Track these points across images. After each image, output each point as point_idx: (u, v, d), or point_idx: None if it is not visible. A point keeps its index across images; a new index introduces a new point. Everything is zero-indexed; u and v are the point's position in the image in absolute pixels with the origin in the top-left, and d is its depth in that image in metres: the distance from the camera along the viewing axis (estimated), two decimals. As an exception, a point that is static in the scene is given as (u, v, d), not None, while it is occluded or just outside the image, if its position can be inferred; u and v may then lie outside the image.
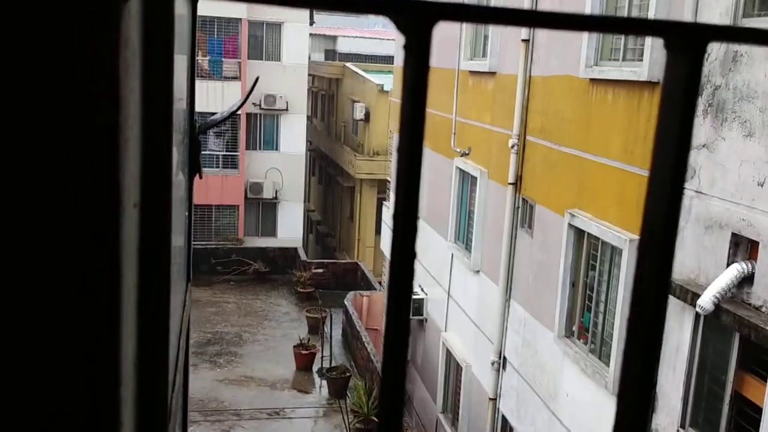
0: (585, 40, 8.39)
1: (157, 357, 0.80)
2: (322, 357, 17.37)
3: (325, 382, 16.64)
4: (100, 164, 0.52)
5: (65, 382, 0.57)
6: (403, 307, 0.45)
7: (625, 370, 0.49)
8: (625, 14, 7.92)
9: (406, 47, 0.42)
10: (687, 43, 0.46)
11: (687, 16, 6.61)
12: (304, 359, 17.40)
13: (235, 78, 24.84)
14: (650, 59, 7.13)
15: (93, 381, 0.57)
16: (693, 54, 0.46)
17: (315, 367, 17.47)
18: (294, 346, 17.64)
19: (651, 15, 7.16)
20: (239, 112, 24.78)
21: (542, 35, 9.70)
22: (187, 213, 1.80)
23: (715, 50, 6.24)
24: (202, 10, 26.23)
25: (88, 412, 0.56)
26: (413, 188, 0.43)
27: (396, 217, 0.44)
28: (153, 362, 0.79)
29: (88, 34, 0.49)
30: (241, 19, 24.77)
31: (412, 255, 0.44)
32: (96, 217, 0.53)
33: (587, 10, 8.32)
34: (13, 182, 0.52)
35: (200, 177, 1.81)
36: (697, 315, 6.35)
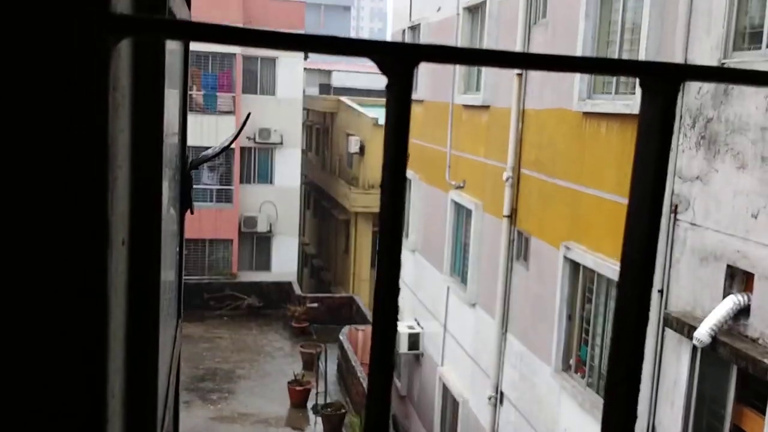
0: (578, 74, 8.48)
1: (145, 394, 0.79)
2: (317, 393, 17.17)
3: (320, 419, 16.41)
4: (88, 203, 0.53)
5: (51, 419, 0.56)
6: (388, 346, 0.44)
7: (610, 396, 0.48)
8: (617, 49, 8.01)
9: (388, 87, 0.41)
10: (660, 82, 0.46)
11: (678, 51, 6.69)
12: (299, 396, 17.19)
13: (229, 112, 24.98)
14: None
15: (78, 418, 0.57)
16: (666, 93, 0.46)
17: (310, 404, 17.26)
18: (288, 382, 17.45)
19: (642, 50, 7.24)
20: (233, 146, 24.87)
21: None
22: (178, 248, 1.77)
23: (707, 83, 6.30)
24: (196, 45, 26.60)
25: None
26: (396, 226, 0.41)
27: (380, 255, 0.42)
28: (142, 399, 0.78)
29: (77, 77, 0.50)
30: (235, 54, 25.01)
31: (396, 288, 0.43)
32: (83, 255, 0.54)
33: (579, 45, 8.42)
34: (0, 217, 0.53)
35: (191, 212, 1.79)
36: (695, 348, 6.31)
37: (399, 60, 0.40)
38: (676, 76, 0.46)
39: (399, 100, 0.40)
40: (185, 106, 1.99)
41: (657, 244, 0.48)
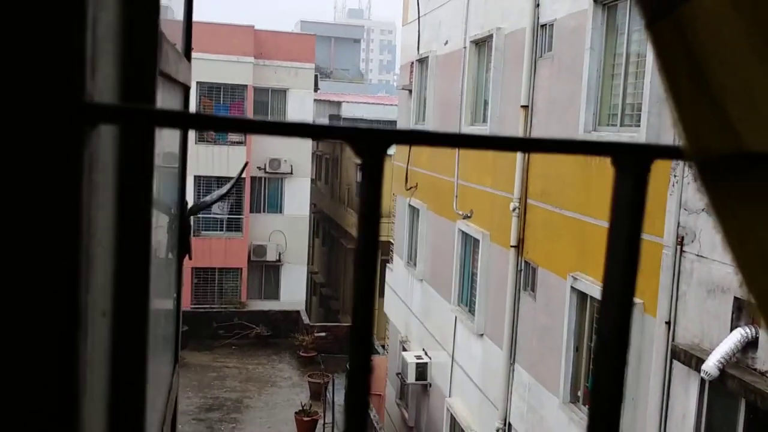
0: (583, 105, 8.55)
1: None
2: (324, 424, 17.05)
3: (327, 450, 16.28)
4: (57, 282, 0.52)
5: None
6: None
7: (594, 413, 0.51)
8: (621, 82, 8.09)
9: (361, 168, 0.46)
10: (632, 161, 0.49)
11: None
12: (306, 426, 17.07)
13: (240, 143, 25.20)
14: (647, 124, 7.25)
15: None
16: (638, 171, 0.49)
17: (317, 434, 17.13)
18: (296, 413, 17.34)
19: (647, 82, 7.31)
20: (243, 175, 25.04)
21: (541, 100, 9.88)
22: (176, 295, 1.82)
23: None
24: (209, 76, 26.52)
25: None
26: (368, 301, 0.46)
27: (351, 338, 0.46)
28: None
29: (49, 164, 0.50)
30: (246, 85, 25.30)
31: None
32: (53, 329, 0.53)
33: (584, 78, 8.50)
34: None
35: (190, 258, 1.84)
36: (703, 381, 6.27)
37: (371, 144, 0.45)
38: (647, 155, 0.50)
39: (371, 180, 0.45)
40: (185, 154, 2.03)
41: (631, 317, 0.50)
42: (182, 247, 1.74)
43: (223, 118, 0.45)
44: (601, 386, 0.50)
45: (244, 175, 25.05)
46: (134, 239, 0.76)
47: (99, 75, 0.60)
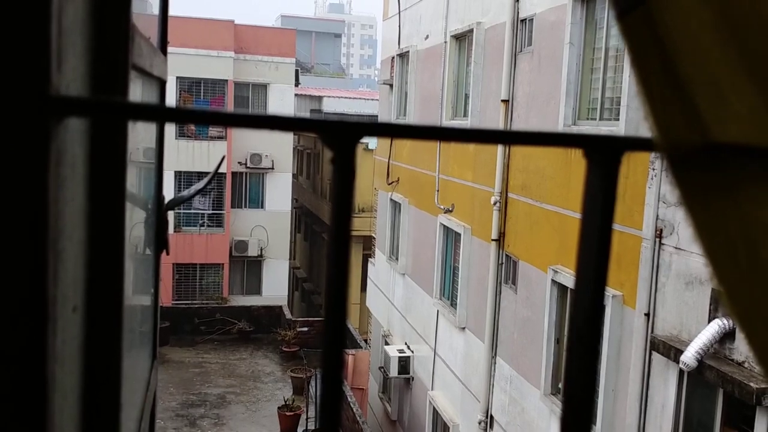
0: (563, 99, 8.60)
1: None
2: (307, 418, 17.05)
3: (310, 444, 16.29)
4: (24, 278, 0.52)
5: None
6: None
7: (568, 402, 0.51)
8: (601, 76, 8.14)
9: (332, 161, 0.46)
10: (603, 153, 0.50)
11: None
12: (289, 421, 17.06)
13: (220, 138, 25.05)
14: (626, 118, 7.31)
15: None
16: (609, 163, 0.49)
17: (300, 429, 17.12)
18: (278, 408, 17.32)
19: (625, 76, 7.36)
20: (224, 171, 24.91)
21: (521, 95, 9.92)
22: (153, 290, 1.80)
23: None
24: (189, 71, 26.34)
25: None
26: (342, 287, 0.46)
27: (325, 332, 0.46)
28: None
29: (13, 158, 0.50)
30: (227, 80, 25.15)
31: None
32: (22, 334, 0.52)
33: (564, 72, 8.55)
34: None
35: (167, 253, 1.83)
36: (681, 371, 6.35)
37: (342, 136, 0.45)
38: (618, 147, 0.50)
39: (342, 172, 0.45)
40: (162, 149, 2.01)
41: (603, 312, 0.50)
42: (159, 242, 1.72)
43: (192, 111, 0.45)
44: (574, 374, 0.50)
45: (224, 170, 24.92)
46: (107, 234, 0.76)
47: (66, 67, 0.59)
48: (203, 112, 0.44)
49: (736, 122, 0.42)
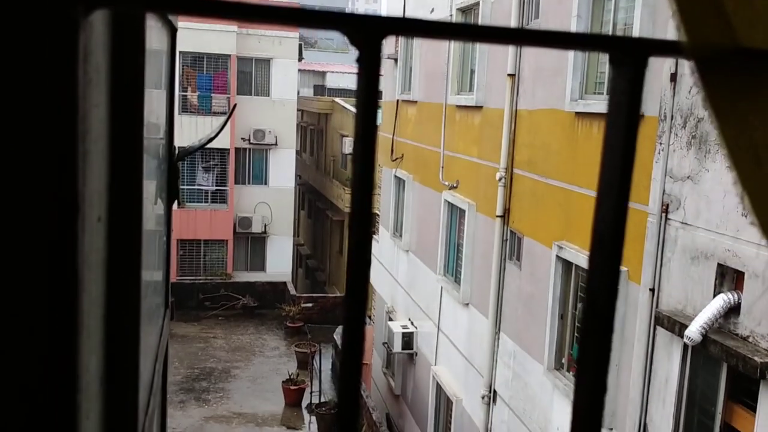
0: (570, 74, 8.52)
1: (125, 371, 0.79)
2: (311, 392, 17.19)
3: (314, 418, 16.43)
4: (56, 175, 0.52)
5: (20, 390, 0.54)
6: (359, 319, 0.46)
7: (579, 378, 0.50)
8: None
9: (358, 60, 0.44)
10: (629, 56, 0.48)
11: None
12: (294, 395, 17.20)
13: (224, 113, 24.97)
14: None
15: (49, 390, 0.54)
16: (635, 67, 0.48)
17: (304, 403, 17.27)
18: (283, 382, 17.46)
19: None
20: (228, 146, 24.87)
21: (528, 69, 9.84)
22: (165, 237, 1.79)
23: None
24: (192, 46, 26.26)
25: (45, 414, 0.54)
26: (367, 199, 0.44)
27: (351, 228, 0.45)
28: (122, 376, 0.77)
29: (43, 48, 0.50)
30: (230, 55, 25.01)
31: (367, 261, 0.45)
32: (52, 227, 0.53)
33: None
34: None
35: (179, 205, 1.82)
36: (686, 346, 6.35)
37: (368, 33, 0.43)
38: (644, 49, 0.49)
39: (368, 70, 0.43)
40: (172, 100, 2.00)
41: (625, 222, 0.49)
42: (171, 191, 1.71)
43: (213, 2, 0.43)
44: (589, 334, 0.49)
45: (228, 146, 24.89)
46: (127, 137, 0.75)
47: None
48: (226, 3, 0.43)
49: (763, 26, 0.42)
